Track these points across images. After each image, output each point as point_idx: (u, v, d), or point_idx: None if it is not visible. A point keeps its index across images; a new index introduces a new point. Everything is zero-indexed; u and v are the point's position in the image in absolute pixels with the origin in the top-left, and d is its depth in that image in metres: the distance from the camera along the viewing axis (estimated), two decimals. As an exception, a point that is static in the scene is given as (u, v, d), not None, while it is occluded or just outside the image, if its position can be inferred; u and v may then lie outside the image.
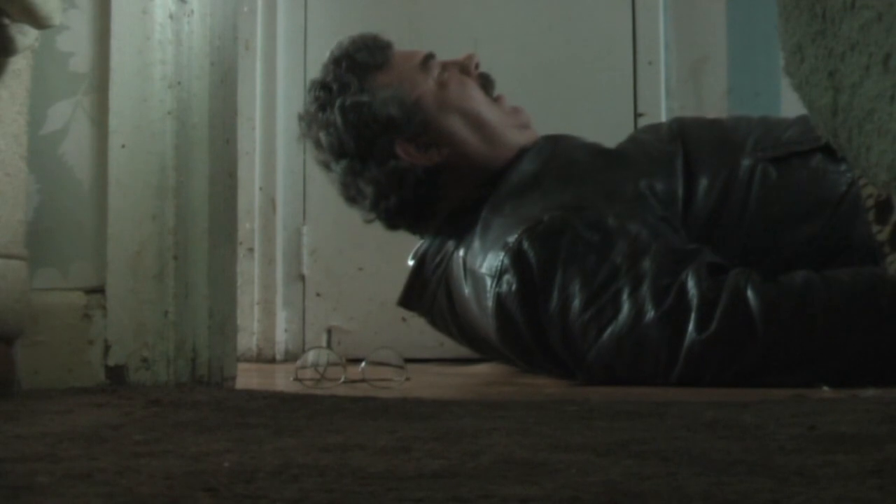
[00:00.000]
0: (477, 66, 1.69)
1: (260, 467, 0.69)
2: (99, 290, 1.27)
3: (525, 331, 1.46)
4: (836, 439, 0.78)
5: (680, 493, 0.60)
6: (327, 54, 1.70)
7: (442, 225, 1.64)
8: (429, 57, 1.68)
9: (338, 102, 1.63)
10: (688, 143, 1.55)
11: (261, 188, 2.22)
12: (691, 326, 1.35)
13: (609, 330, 1.39)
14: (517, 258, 1.45)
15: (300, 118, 1.72)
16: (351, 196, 1.69)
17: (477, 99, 1.67)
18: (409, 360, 1.63)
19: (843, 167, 1.48)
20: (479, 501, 0.58)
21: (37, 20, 1.20)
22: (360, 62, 1.65)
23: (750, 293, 1.34)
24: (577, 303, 1.41)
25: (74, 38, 1.31)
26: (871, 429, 0.83)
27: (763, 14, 2.09)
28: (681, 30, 2.14)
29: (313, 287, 2.23)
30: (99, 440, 0.82)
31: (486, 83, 1.70)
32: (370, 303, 2.17)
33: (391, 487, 0.62)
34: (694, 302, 1.35)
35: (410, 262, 1.70)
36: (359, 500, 0.59)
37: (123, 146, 1.27)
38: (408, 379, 1.50)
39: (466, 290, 1.55)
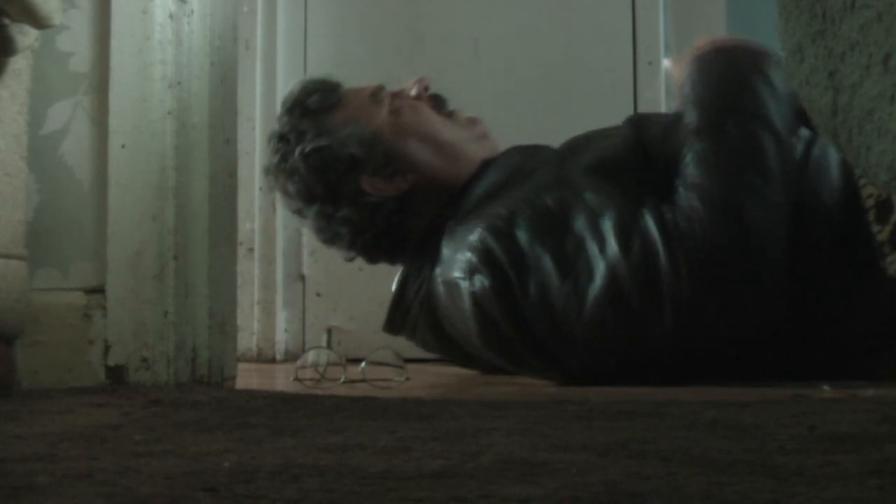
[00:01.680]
0: (427, 89, 1.70)
1: (260, 467, 0.69)
2: (99, 290, 1.27)
3: (506, 327, 1.45)
4: (836, 439, 0.78)
5: (680, 493, 0.60)
6: (280, 106, 1.73)
7: (416, 249, 1.64)
8: (378, 88, 1.69)
9: (297, 151, 1.64)
10: (641, 127, 1.58)
11: (261, 188, 2.22)
12: (665, 269, 1.36)
13: (590, 295, 1.39)
14: (484, 255, 1.46)
15: (265, 172, 1.73)
16: (328, 238, 1.70)
17: (431, 120, 1.68)
18: (409, 360, 1.63)
19: (802, 132, 1.49)
20: (479, 501, 0.58)
21: (37, 20, 1.20)
22: (312, 107, 1.66)
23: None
24: (553, 279, 1.42)
25: (74, 38, 1.31)
26: (871, 429, 0.83)
27: (763, 14, 2.09)
28: (681, 30, 2.14)
29: (313, 287, 2.23)
30: (99, 440, 0.82)
31: (437, 103, 1.71)
32: (370, 303, 2.17)
33: (391, 487, 0.62)
34: (660, 247, 1.36)
35: (394, 288, 1.71)
36: (359, 500, 0.59)
37: (123, 146, 1.27)
38: (408, 379, 1.50)
39: (444, 302, 1.55)
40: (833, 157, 1.46)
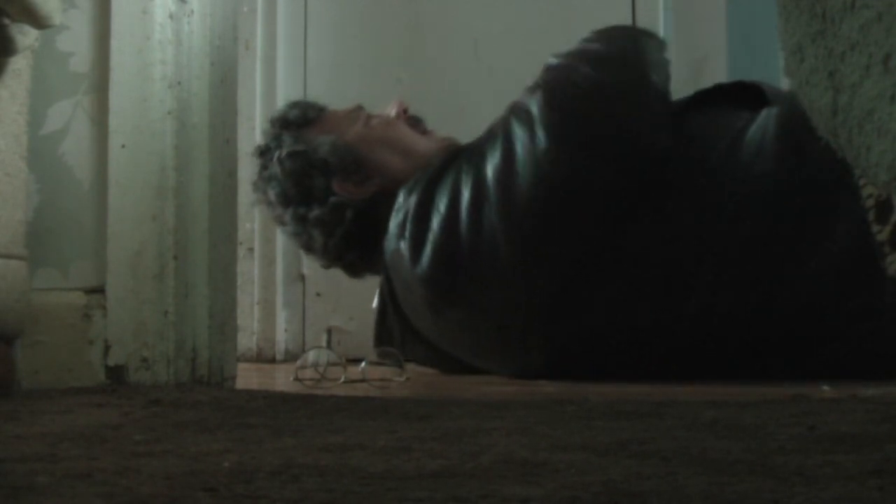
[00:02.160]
0: (405, 111, 1.80)
1: (260, 467, 0.69)
2: (99, 290, 1.26)
3: (445, 254, 1.51)
4: (836, 439, 0.78)
5: (680, 493, 0.60)
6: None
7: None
8: (357, 108, 1.79)
9: (276, 156, 1.74)
10: None
11: (261, 188, 2.22)
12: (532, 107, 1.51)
13: (489, 171, 1.49)
14: (405, 210, 1.57)
15: (253, 186, 1.82)
16: (305, 244, 1.78)
17: (403, 132, 1.77)
18: (408, 360, 1.63)
19: (743, 113, 1.54)
20: (479, 501, 0.58)
21: (37, 20, 1.20)
22: (292, 119, 1.77)
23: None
24: (464, 184, 1.52)
25: (74, 38, 1.31)
26: (871, 429, 0.83)
27: (763, 14, 2.09)
28: (681, 30, 2.14)
29: (313, 287, 2.23)
30: (99, 440, 0.82)
31: (414, 122, 1.80)
32: (370, 303, 2.17)
33: (391, 487, 0.62)
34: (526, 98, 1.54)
35: (374, 304, 1.75)
36: (359, 500, 0.59)
37: (123, 146, 1.27)
38: (408, 379, 1.50)
39: (398, 286, 1.61)
40: (770, 135, 1.48)
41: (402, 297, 1.61)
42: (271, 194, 1.76)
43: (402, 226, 1.56)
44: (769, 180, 1.46)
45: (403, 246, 1.55)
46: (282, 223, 1.80)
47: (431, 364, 1.73)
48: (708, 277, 1.45)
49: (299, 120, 1.77)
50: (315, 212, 1.72)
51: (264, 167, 1.77)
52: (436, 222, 1.52)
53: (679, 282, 1.46)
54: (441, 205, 1.52)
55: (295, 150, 1.73)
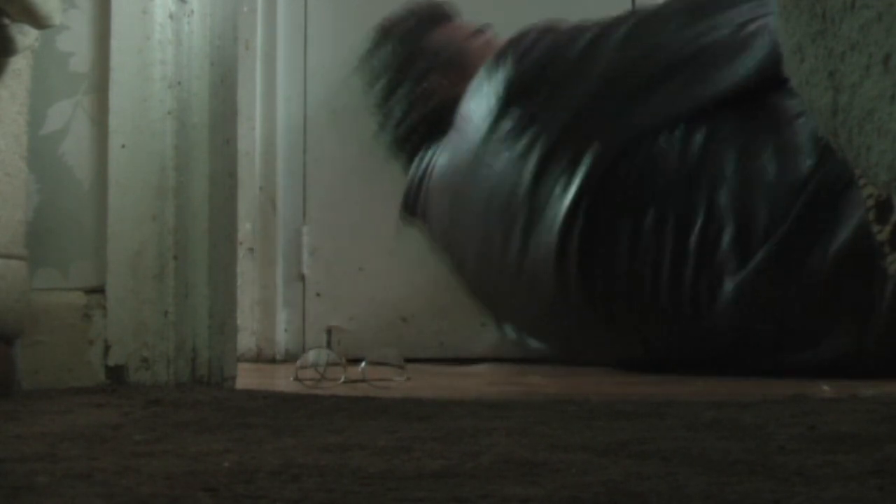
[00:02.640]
0: None
1: (260, 467, 0.69)
2: (99, 290, 1.26)
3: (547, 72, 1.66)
4: (836, 439, 0.78)
5: (680, 493, 0.60)
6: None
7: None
8: (486, 25, 1.96)
9: (395, 33, 1.94)
10: None
11: (261, 188, 2.22)
12: None
13: None
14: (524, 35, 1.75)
15: (363, 55, 1.98)
16: (380, 119, 1.95)
17: None
18: (409, 360, 1.63)
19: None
20: (479, 501, 0.58)
21: (37, 20, 1.20)
22: (422, 12, 1.95)
23: None
24: (585, 35, 1.70)
25: (74, 38, 1.31)
26: (871, 429, 0.83)
27: (763, 14, 2.09)
28: (681, 30, 2.13)
29: (313, 287, 2.23)
30: (99, 440, 0.82)
31: None
32: (370, 303, 2.17)
33: (391, 487, 0.62)
34: None
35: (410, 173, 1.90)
36: (359, 500, 0.59)
37: (123, 146, 1.27)
38: (408, 379, 1.50)
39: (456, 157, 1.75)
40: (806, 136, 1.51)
41: (455, 146, 1.75)
42: (375, 63, 1.93)
43: (509, 45, 1.72)
44: (785, 180, 1.47)
45: (510, 52, 1.71)
46: (369, 93, 1.95)
47: (442, 248, 1.84)
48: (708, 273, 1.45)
49: (429, 15, 1.94)
50: (405, 88, 1.89)
51: (381, 39, 1.94)
52: (545, 44, 1.69)
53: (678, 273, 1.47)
54: (555, 40, 1.69)
55: (414, 33, 1.91)
